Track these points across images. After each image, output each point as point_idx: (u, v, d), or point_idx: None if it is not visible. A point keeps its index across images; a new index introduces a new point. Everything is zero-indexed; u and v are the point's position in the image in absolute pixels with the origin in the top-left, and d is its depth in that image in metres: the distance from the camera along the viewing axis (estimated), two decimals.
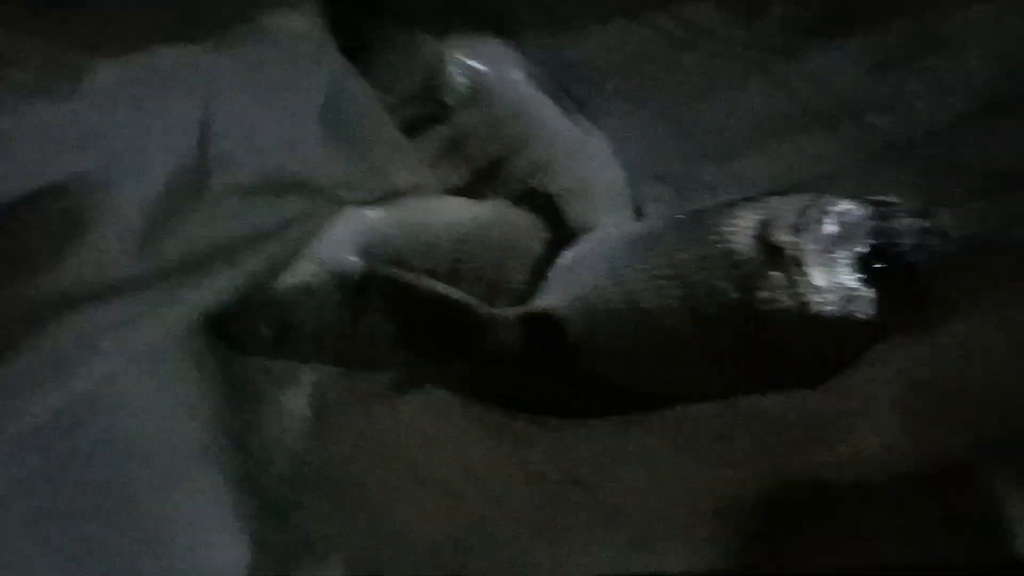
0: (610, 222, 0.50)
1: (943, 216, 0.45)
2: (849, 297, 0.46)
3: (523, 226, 0.49)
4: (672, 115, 0.45)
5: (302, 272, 0.46)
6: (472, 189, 0.49)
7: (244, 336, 0.45)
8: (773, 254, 0.47)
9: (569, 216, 0.50)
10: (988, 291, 0.42)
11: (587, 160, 0.49)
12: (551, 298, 0.48)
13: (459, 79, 0.45)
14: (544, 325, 0.47)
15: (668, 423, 0.43)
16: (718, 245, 0.48)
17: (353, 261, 0.47)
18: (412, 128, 0.46)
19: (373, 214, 0.47)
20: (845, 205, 0.47)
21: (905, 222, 0.46)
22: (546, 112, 0.47)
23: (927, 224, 0.46)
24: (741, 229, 0.48)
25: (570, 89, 0.47)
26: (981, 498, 0.36)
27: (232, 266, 0.41)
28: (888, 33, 0.39)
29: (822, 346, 0.46)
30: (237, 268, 0.41)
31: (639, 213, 0.51)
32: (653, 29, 0.41)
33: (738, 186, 0.46)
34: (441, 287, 0.47)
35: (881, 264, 0.46)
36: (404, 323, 0.47)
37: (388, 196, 0.47)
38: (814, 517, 0.36)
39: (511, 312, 0.47)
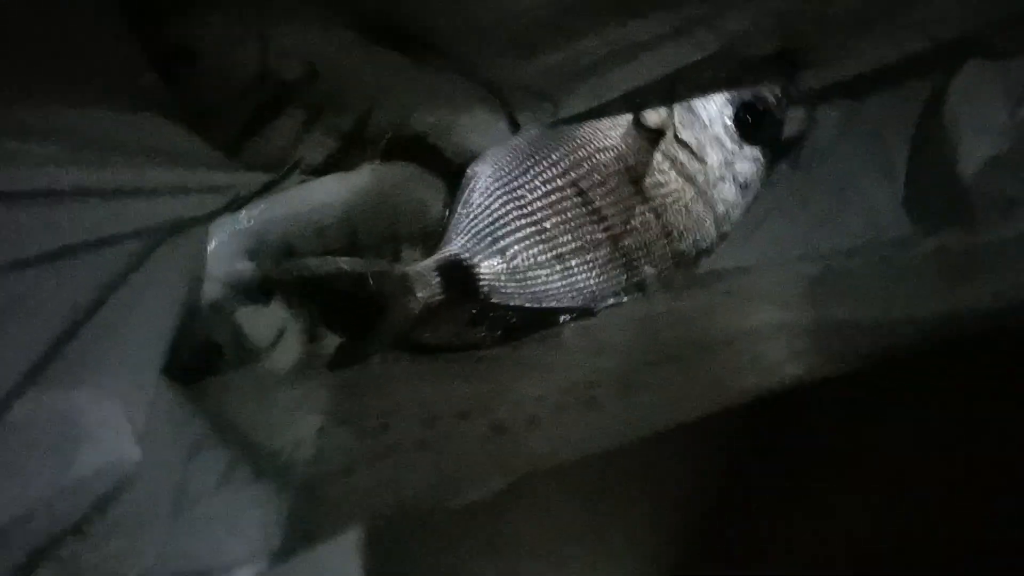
0: (489, 142, 0.49)
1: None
2: (730, 158, 0.49)
3: (403, 178, 0.48)
4: (517, 35, 0.42)
5: (206, 295, 0.44)
6: (343, 158, 0.46)
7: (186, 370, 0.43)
8: (652, 137, 0.49)
9: (446, 150, 0.49)
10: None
11: (445, 93, 0.46)
12: (458, 241, 0.48)
13: (291, 57, 0.41)
14: (457, 269, 0.48)
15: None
16: (602, 142, 0.49)
17: (246, 266, 0.45)
18: (265, 113, 0.43)
19: (246, 216, 0.45)
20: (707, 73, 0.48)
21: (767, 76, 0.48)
22: (388, 62, 0.43)
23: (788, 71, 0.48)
24: (619, 123, 0.49)
25: (407, 27, 0.43)
26: None
27: None
28: None
29: (712, 211, 0.49)
30: None
31: (514, 124, 0.50)
32: None
33: (600, 91, 0.45)
34: (347, 262, 0.46)
35: (751, 119, 0.48)
36: (322, 309, 0.47)
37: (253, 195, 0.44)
38: None
39: (426, 264, 0.47)
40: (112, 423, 0.33)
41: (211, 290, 0.44)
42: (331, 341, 0.46)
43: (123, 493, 0.32)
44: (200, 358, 0.44)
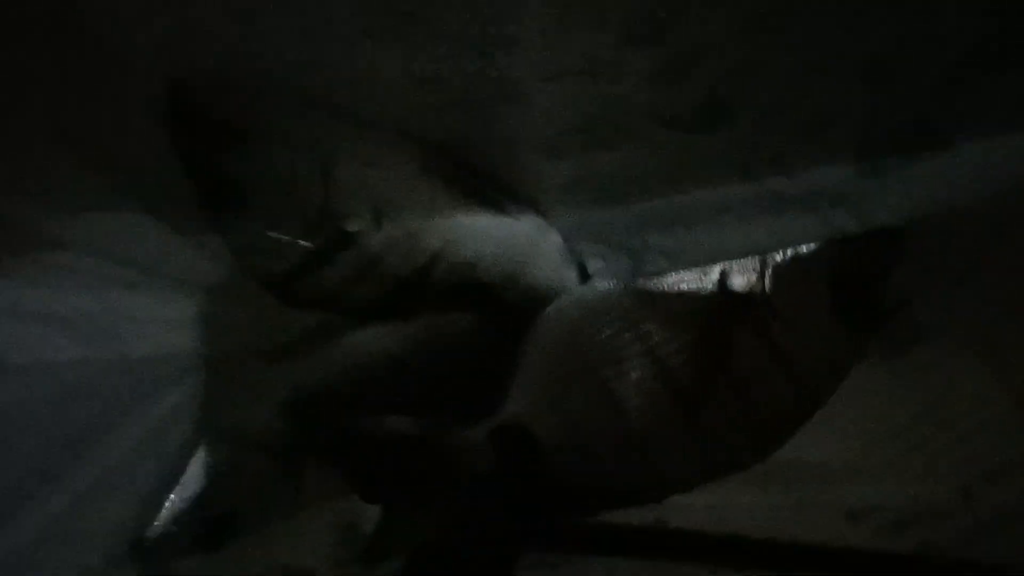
0: (556, 293, 0.45)
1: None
2: (822, 332, 0.45)
3: (461, 333, 0.43)
4: (604, 189, 0.39)
5: (226, 458, 0.38)
6: (396, 305, 0.42)
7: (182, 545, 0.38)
8: (739, 304, 0.45)
9: (510, 300, 0.45)
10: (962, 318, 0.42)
11: (517, 242, 0.43)
12: (516, 403, 0.43)
13: (358, 203, 0.37)
14: (515, 436, 0.43)
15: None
16: (682, 306, 0.45)
17: (278, 426, 0.40)
18: (315, 259, 0.38)
19: (285, 369, 0.40)
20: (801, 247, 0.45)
21: (866, 248, 0.44)
22: (462, 209, 0.40)
23: (892, 246, 0.44)
24: (703, 286, 0.45)
25: (488, 173, 0.40)
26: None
27: None
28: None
29: (800, 392, 0.45)
30: None
31: (584, 272, 0.46)
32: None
33: (692, 253, 0.41)
34: (392, 422, 0.41)
35: (845, 296, 0.44)
36: (357, 478, 0.41)
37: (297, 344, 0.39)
38: None
39: (478, 431, 0.42)
40: None
41: (236, 452, 0.39)
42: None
43: None
44: (215, 527, 0.39)
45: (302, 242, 0.38)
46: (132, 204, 0.37)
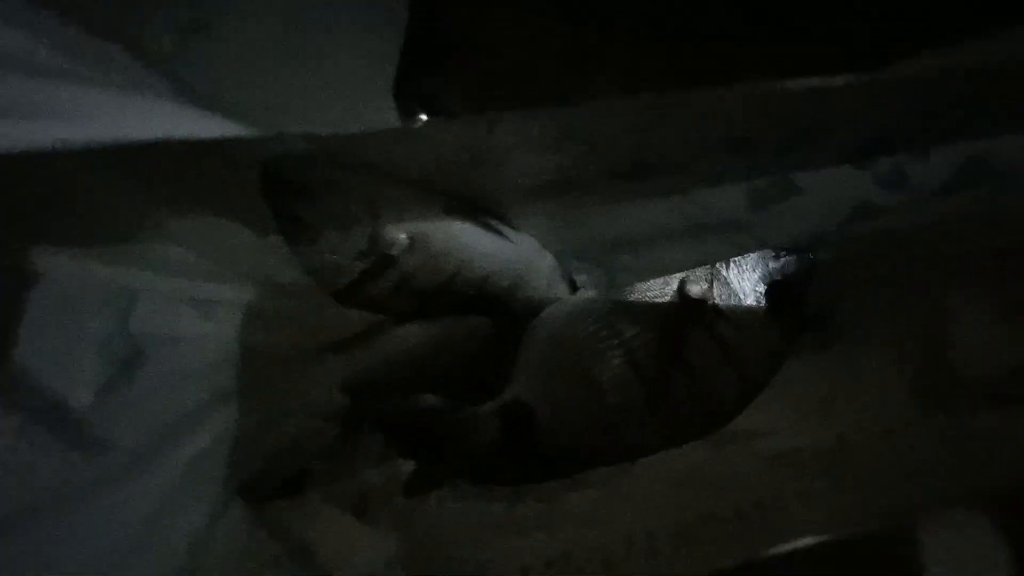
0: (550, 300, 0.58)
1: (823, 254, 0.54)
2: (760, 329, 0.56)
3: (477, 330, 0.56)
4: (583, 223, 0.52)
5: (301, 425, 0.52)
6: (427, 310, 0.55)
7: (268, 490, 0.51)
8: (694, 306, 0.56)
9: (514, 307, 0.57)
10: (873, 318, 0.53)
11: (517, 261, 0.56)
12: (517, 386, 0.56)
13: (397, 234, 0.51)
14: (517, 412, 0.55)
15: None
16: (648, 309, 0.56)
17: (340, 400, 0.53)
18: (367, 276, 0.52)
19: (345, 356, 0.54)
20: (742, 257, 0.56)
21: (792, 260, 0.55)
22: (473, 238, 0.53)
23: (811, 259, 0.55)
24: (665, 292, 0.56)
25: (492, 212, 0.53)
26: None
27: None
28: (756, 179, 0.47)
29: (743, 378, 0.56)
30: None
31: (573, 284, 0.59)
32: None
33: (651, 268, 0.54)
34: (425, 400, 0.54)
35: (779, 297, 0.56)
36: (401, 440, 0.55)
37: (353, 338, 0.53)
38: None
39: (488, 407, 0.54)
40: None
41: (310, 420, 0.53)
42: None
43: None
44: (294, 479, 0.52)
45: (358, 263, 0.52)
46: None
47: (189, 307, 0.43)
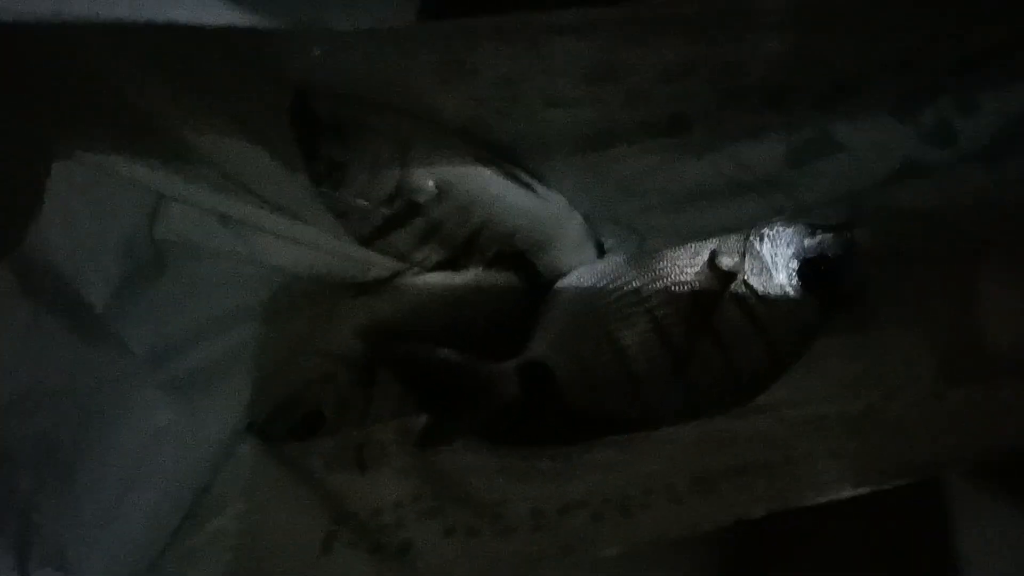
0: (577, 262, 0.57)
1: (859, 233, 0.53)
2: (792, 306, 0.55)
3: (500, 284, 0.55)
4: (617, 181, 0.51)
5: (316, 366, 0.51)
6: (452, 262, 0.54)
7: (282, 432, 0.51)
8: (724, 278, 0.55)
9: (540, 267, 0.56)
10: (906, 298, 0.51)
11: (546, 219, 0.55)
12: (540, 345, 0.55)
13: (426, 181, 0.50)
14: (537, 371, 0.54)
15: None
16: (678, 277, 0.55)
17: (357, 345, 0.53)
18: (392, 223, 0.51)
19: (366, 301, 0.53)
20: (777, 227, 0.54)
21: (829, 238, 0.54)
22: (503, 191, 0.52)
23: (848, 237, 0.53)
24: (695, 262, 0.55)
25: (525, 164, 0.52)
26: None
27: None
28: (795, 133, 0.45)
29: (772, 354, 0.55)
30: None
31: (600, 248, 0.58)
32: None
33: (684, 231, 0.52)
34: (443, 352, 0.53)
35: (813, 274, 0.54)
36: (416, 389, 0.54)
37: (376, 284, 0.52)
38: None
39: (508, 365, 0.53)
40: None
41: (325, 362, 0.52)
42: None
43: None
44: (304, 423, 0.52)
45: (383, 209, 0.51)
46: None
47: (216, 221, 0.43)
